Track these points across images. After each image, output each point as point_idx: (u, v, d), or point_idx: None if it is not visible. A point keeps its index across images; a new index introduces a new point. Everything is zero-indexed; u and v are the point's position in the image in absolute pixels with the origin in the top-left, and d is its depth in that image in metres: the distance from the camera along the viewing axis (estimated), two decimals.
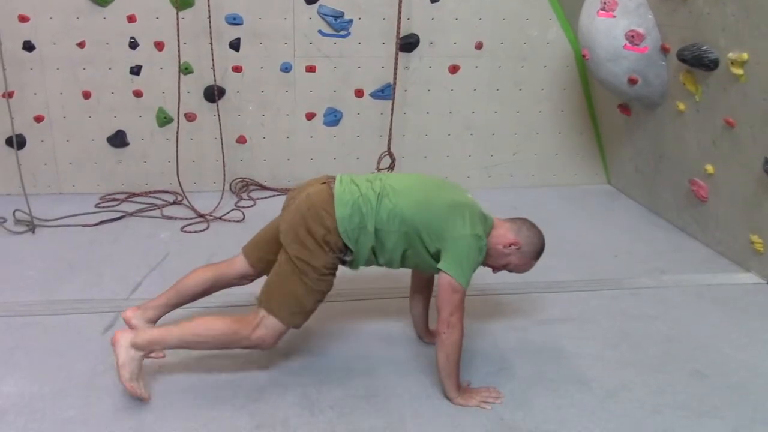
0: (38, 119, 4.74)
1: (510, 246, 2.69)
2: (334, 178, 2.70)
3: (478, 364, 2.86)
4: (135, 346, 2.48)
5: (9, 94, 4.46)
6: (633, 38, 4.10)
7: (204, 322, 2.57)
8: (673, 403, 2.63)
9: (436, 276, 2.76)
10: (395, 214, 2.58)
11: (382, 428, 2.46)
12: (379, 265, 2.76)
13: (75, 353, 2.88)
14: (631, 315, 3.29)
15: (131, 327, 2.84)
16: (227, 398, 2.61)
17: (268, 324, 2.56)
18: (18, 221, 4.33)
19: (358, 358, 2.90)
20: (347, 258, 2.64)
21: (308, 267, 2.55)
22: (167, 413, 2.51)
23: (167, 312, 2.92)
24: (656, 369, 2.85)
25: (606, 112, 5.02)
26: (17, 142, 4.55)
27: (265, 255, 2.81)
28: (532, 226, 2.77)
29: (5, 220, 4.34)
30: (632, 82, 4.21)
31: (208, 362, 2.82)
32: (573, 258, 3.93)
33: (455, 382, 2.59)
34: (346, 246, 2.60)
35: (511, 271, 2.79)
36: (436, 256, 2.60)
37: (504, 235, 2.70)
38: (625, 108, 4.69)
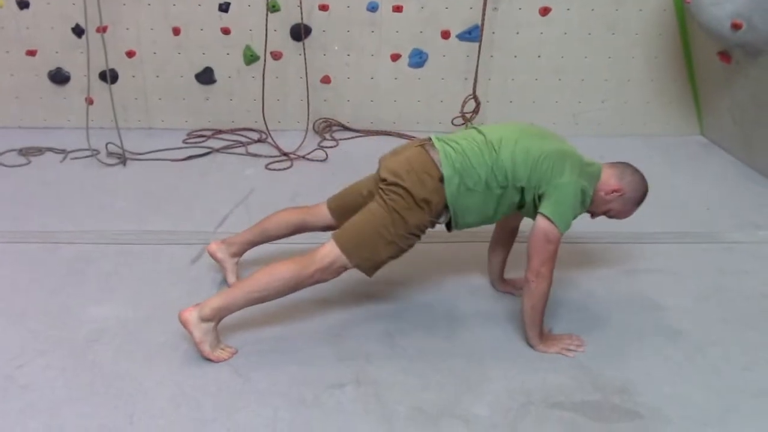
0: (130, 54, 4.84)
1: (612, 193, 2.61)
2: (427, 140, 2.61)
3: (562, 312, 2.83)
4: (204, 318, 2.44)
5: (103, 29, 4.57)
6: None
7: (265, 274, 2.47)
8: (764, 360, 2.55)
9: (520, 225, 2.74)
10: (500, 167, 2.50)
11: (461, 368, 2.48)
12: (488, 222, 2.67)
13: (166, 281, 2.98)
14: (724, 270, 3.18)
15: (216, 259, 2.93)
16: (311, 333, 2.66)
17: (333, 263, 2.48)
18: (110, 154, 4.48)
19: (440, 302, 2.90)
20: (441, 221, 2.59)
21: (401, 220, 2.48)
22: (253, 347, 2.58)
23: (249, 249, 2.97)
24: (748, 325, 2.76)
25: (704, 59, 4.79)
26: (110, 76, 4.68)
27: (350, 213, 2.64)
28: (636, 171, 2.67)
29: (98, 152, 4.49)
30: (736, 27, 3.99)
31: (290, 300, 2.88)
32: (662, 209, 3.81)
33: (538, 331, 2.57)
34: (445, 208, 2.54)
35: (611, 217, 2.72)
36: (536, 202, 2.54)
37: (606, 181, 2.61)
38: (725, 55, 4.46)
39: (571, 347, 2.58)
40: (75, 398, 2.28)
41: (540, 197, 2.51)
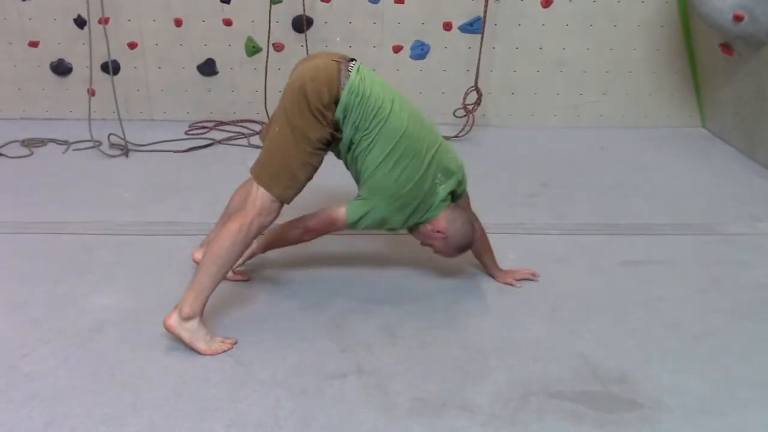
0: (132, 46, 4.85)
1: (437, 233, 2.70)
2: (346, 59, 2.60)
3: (561, 302, 2.84)
4: (186, 318, 2.44)
5: (105, 20, 4.57)
6: None
7: (214, 245, 2.49)
8: (763, 350, 2.56)
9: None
10: (369, 138, 2.56)
11: (462, 359, 2.49)
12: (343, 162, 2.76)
13: (168, 272, 3.00)
14: (722, 261, 3.19)
15: None
16: (311, 324, 2.68)
17: (264, 202, 2.49)
18: (113, 145, 4.49)
19: (440, 293, 2.92)
20: (339, 135, 2.59)
21: (304, 137, 2.50)
22: (255, 337, 2.59)
23: None
24: (747, 317, 2.77)
25: (705, 52, 4.79)
26: (112, 67, 4.68)
27: None
28: (467, 223, 2.75)
29: (100, 144, 4.50)
30: (738, 18, 3.99)
31: (292, 291, 2.90)
32: (662, 201, 3.83)
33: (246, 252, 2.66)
34: (337, 126, 2.57)
35: (435, 252, 2.81)
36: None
37: (438, 220, 2.69)
38: (726, 47, 4.46)
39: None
40: (78, 387, 2.30)
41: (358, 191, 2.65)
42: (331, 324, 2.68)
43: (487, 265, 3.01)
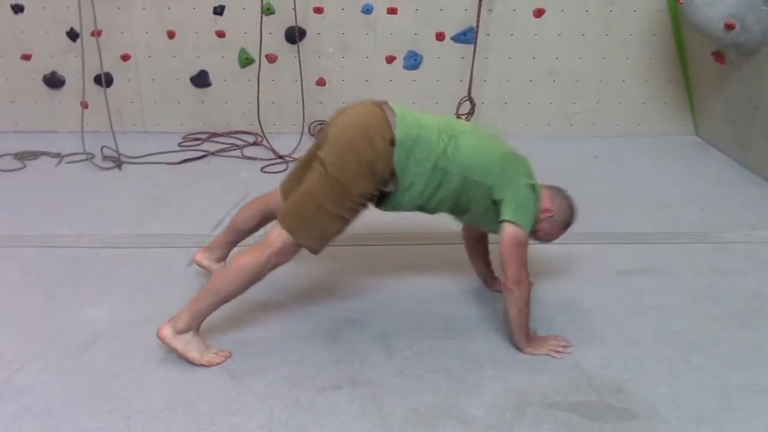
0: (125, 58, 4.85)
1: (544, 212, 2.62)
2: (384, 102, 2.52)
3: (555, 312, 2.83)
4: (180, 331, 2.42)
5: (98, 33, 4.57)
6: None
7: (224, 273, 2.48)
8: (759, 359, 2.55)
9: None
10: (457, 153, 2.46)
11: (457, 369, 2.48)
12: (420, 209, 2.59)
13: (162, 284, 2.98)
14: (718, 269, 3.19)
15: (204, 268, 2.94)
16: (306, 335, 2.66)
17: (285, 245, 2.40)
18: (105, 157, 4.48)
19: (435, 303, 2.91)
20: (389, 189, 2.46)
21: (344, 191, 2.39)
22: (249, 350, 2.57)
23: (231, 249, 2.96)
24: (743, 325, 2.76)
25: (698, 60, 4.81)
26: (105, 80, 4.68)
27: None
28: (567, 197, 2.70)
29: (93, 156, 4.49)
30: (729, 27, 4.00)
31: (286, 302, 2.89)
32: (657, 210, 3.83)
33: (525, 332, 2.56)
34: (392, 175, 2.43)
35: (537, 239, 2.71)
36: (495, 208, 2.53)
37: (542, 200, 2.63)
38: (718, 55, 4.48)
39: (558, 348, 2.58)
40: (71, 401, 2.28)
41: (496, 203, 2.51)
42: (325, 335, 2.66)
43: (482, 271, 2.99)
